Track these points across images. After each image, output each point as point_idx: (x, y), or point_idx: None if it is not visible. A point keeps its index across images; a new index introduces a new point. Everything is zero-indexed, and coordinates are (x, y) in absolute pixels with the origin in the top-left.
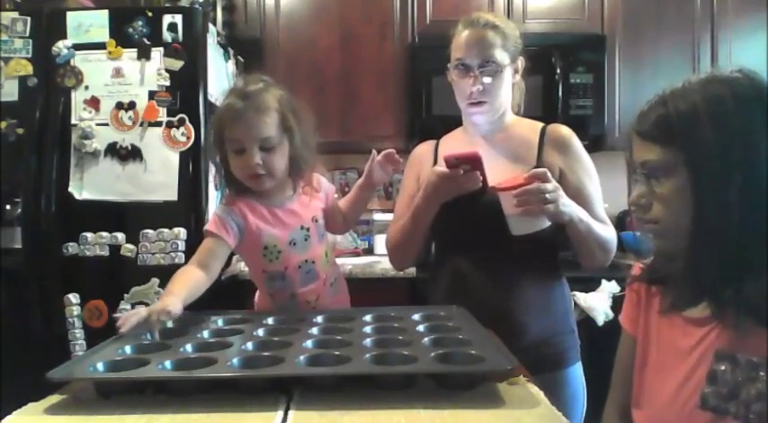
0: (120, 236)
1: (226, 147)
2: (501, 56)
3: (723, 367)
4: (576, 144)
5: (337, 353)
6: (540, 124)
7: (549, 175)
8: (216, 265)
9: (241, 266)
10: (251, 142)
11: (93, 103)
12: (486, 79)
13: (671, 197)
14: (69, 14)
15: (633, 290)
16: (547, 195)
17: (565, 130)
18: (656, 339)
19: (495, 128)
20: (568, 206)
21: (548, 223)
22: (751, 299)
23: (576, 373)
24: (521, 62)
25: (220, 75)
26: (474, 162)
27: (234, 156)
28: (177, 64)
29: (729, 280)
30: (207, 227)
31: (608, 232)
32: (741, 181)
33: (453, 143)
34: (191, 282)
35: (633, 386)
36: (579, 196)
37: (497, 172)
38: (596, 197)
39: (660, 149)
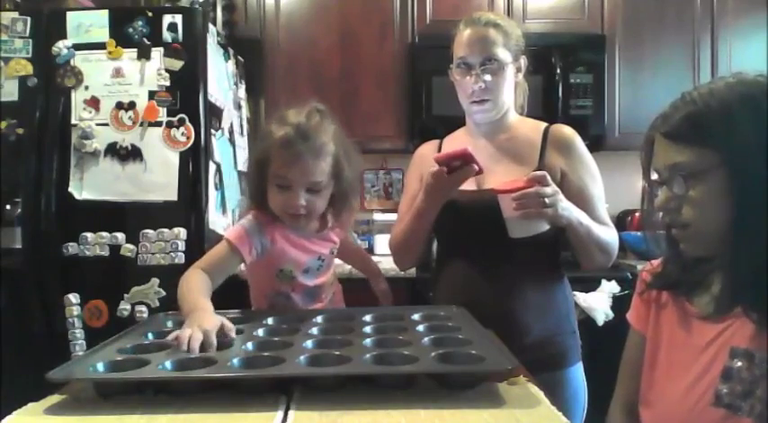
0: (120, 236)
1: (269, 177)
2: (503, 54)
3: (738, 364)
4: (579, 145)
5: (337, 353)
6: (544, 124)
7: (548, 178)
8: (221, 278)
9: (242, 266)
10: (300, 185)
11: (93, 103)
12: (488, 77)
13: (706, 200)
14: (69, 14)
15: (640, 288)
16: (546, 199)
17: (567, 131)
18: (667, 337)
19: (497, 127)
20: (567, 210)
21: (546, 227)
22: None
23: (577, 373)
24: (523, 61)
25: (220, 75)
26: (464, 158)
27: (277, 190)
28: (177, 64)
29: None
30: (229, 236)
31: (609, 235)
32: None
33: (456, 143)
34: (208, 291)
35: (642, 384)
36: (581, 197)
37: (499, 172)
38: (598, 198)
39: (692, 151)
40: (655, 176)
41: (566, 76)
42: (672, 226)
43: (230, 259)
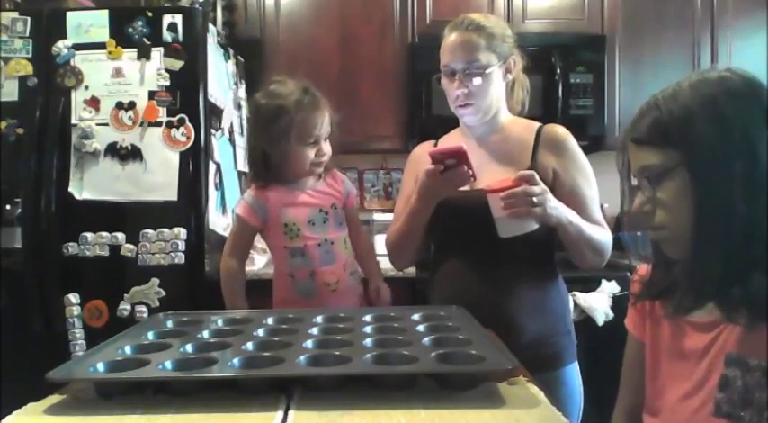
0: (120, 236)
1: (295, 140)
2: (486, 58)
3: (734, 372)
4: (572, 145)
5: (337, 353)
6: (537, 124)
7: (536, 177)
8: (247, 252)
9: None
10: (323, 136)
11: (93, 103)
12: (471, 82)
13: (673, 200)
14: (69, 14)
15: (633, 297)
16: (534, 198)
17: (560, 131)
18: (666, 346)
19: (489, 129)
20: (556, 209)
21: (536, 226)
22: (760, 295)
23: (573, 373)
24: (513, 61)
25: (220, 75)
26: (459, 156)
27: (307, 149)
28: (177, 64)
29: (736, 278)
30: (236, 210)
31: (602, 235)
32: (741, 175)
33: (451, 143)
34: (240, 287)
35: (646, 392)
36: (573, 197)
37: (491, 173)
38: (591, 198)
39: (657, 153)
40: (634, 182)
41: (566, 76)
42: (650, 230)
43: (245, 232)
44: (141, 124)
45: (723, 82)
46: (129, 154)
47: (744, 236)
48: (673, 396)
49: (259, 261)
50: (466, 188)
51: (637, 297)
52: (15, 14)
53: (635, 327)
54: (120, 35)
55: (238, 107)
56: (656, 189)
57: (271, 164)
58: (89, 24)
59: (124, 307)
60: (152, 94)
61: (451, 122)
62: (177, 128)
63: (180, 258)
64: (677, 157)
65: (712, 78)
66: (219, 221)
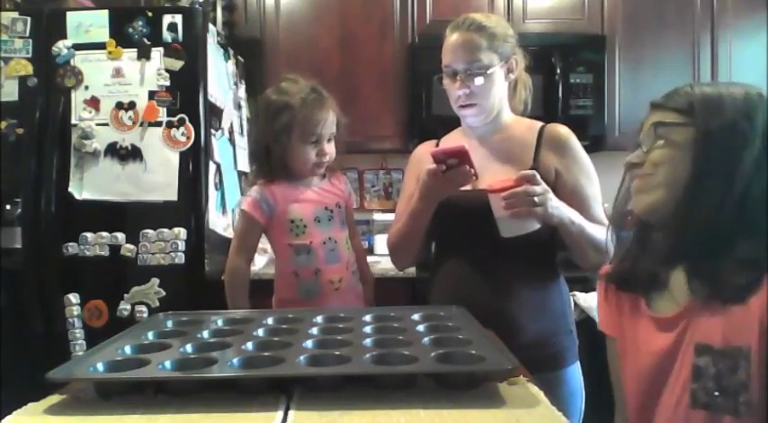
0: (120, 236)
1: (296, 139)
2: (488, 58)
3: (704, 360)
4: (574, 144)
5: (337, 353)
6: (539, 124)
7: (538, 177)
8: (253, 251)
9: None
10: (326, 136)
11: (93, 103)
12: (473, 82)
13: (670, 150)
14: (69, 14)
15: (602, 291)
16: (535, 198)
17: (562, 130)
18: (633, 342)
19: (491, 129)
20: (558, 208)
21: (537, 225)
22: (730, 275)
23: (574, 373)
24: (515, 60)
25: (220, 75)
26: (461, 155)
27: (308, 148)
28: (177, 64)
29: (716, 244)
30: (243, 206)
31: (604, 234)
32: (750, 152)
33: (452, 143)
34: (244, 289)
35: (627, 394)
36: (575, 197)
37: (493, 173)
38: (594, 198)
39: (674, 114)
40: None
41: (566, 76)
42: (636, 175)
43: (251, 229)
44: (141, 124)
45: (759, 92)
46: (129, 154)
47: (736, 204)
48: (648, 393)
49: (259, 261)
50: (467, 188)
51: (602, 278)
52: (15, 14)
53: (607, 325)
54: (120, 35)
55: (238, 107)
56: (659, 137)
57: (273, 159)
58: (89, 24)
59: (124, 307)
60: (152, 94)
61: (452, 122)
62: (177, 128)
63: (180, 258)
64: (691, 121)
65: (752, 89)
66: (219, 221)
